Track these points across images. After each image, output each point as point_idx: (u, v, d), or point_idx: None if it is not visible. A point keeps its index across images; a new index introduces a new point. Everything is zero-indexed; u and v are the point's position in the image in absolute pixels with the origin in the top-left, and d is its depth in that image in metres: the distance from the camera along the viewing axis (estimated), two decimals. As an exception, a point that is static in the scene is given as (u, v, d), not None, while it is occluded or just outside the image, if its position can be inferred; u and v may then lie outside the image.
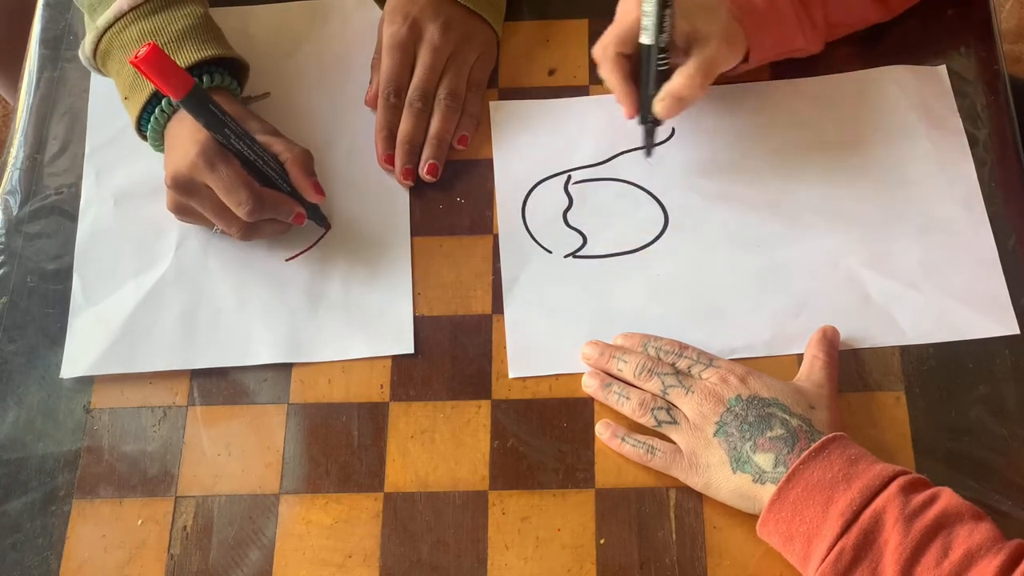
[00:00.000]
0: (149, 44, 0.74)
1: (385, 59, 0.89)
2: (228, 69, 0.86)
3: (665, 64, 0.80)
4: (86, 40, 0.86)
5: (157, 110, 0.83)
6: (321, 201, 0.84)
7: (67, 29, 0.98)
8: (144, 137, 0.86)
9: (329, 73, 0.93)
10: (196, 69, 0.83)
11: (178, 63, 0.80)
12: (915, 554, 0.64)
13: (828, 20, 0.85)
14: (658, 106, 0.81)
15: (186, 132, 0.81)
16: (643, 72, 0.82)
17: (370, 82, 0.91)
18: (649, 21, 0.79)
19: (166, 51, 0.78)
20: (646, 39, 0.80)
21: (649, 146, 0.86)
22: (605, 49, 0.83)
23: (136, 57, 0.74)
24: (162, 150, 0.85)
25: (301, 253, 0.86)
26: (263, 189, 0.81)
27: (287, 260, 0.86)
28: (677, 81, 0.80)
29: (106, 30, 0.84)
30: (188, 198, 0.81)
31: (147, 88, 0.83)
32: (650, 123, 0.84)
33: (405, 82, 0.89)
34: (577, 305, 0.82)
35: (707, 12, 0.81)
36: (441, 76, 0.89)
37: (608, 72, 0.83)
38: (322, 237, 0.86)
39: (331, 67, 0.94)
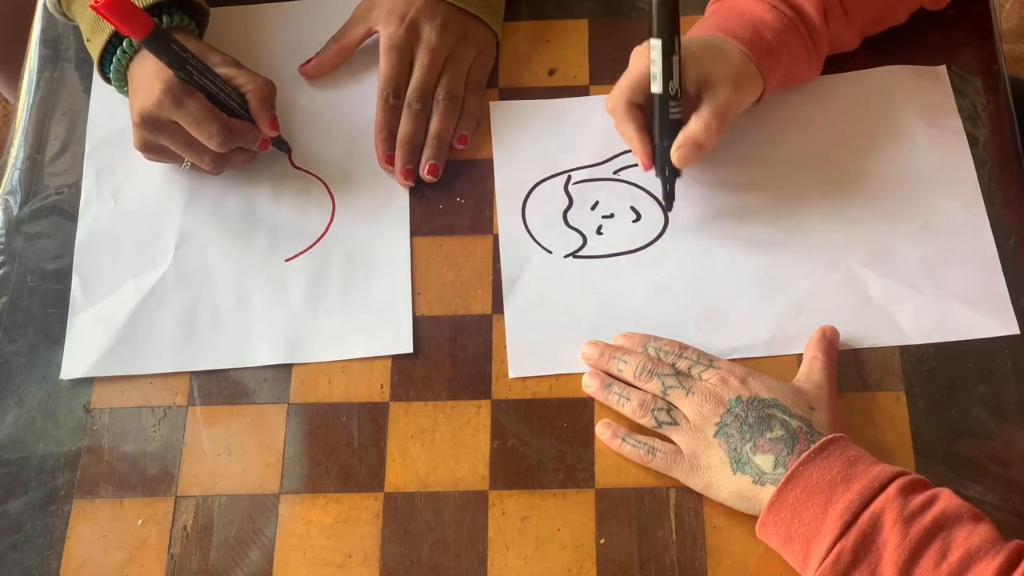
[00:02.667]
0: None
1: (383, 61, 0.89)
2: (187, 11, 0.87)
3: (677, 112, 0.79)
4: None
5: (119, 51, 0.85)
6: (276, 134, 0.86)
7: (67, 29, 0.98)
8: (107, 80, 0.88)
9: (330, 73, 0.93)
10: (154, 9, 0.84)
11: (139, 3, 0.82)
12: (914, 556, 0.64)
13: (832, 42, 0.85)
14: (675, 155, 0.79)
15: (148, 71, 0.83)
16: (656, 122, 0.80)
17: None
18: (657, 69, 0.78)
19: None
20: (656, 88, 0.79)
21: (668, 198, 0.83)
22: (617, 100, 0.82)
23: (96, 2, 0.75)
24: (126, 92, 0.87)
25: (301, 253, 0.86)
26: (231, 119, 0.84)
27: (287, 260, 0.86)
28: (693, 128, 0.79)
29: None
30: (157, 135, 0.83)
31: (107, 29, 0.84)
32: (668, 174, 0.82)
33: (403, 83, 0.89)
34: (577, 305, 0.82)
35: (717, 55, 0.80)
36: (439, 77, 0.89)
37: (622, 123, 0.82)
38: (321, 237, 0.86)
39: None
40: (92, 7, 0.76)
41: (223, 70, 0.85)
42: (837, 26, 0.84)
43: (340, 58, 0.93)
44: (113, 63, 0.86)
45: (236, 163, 0.87)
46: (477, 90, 0.90)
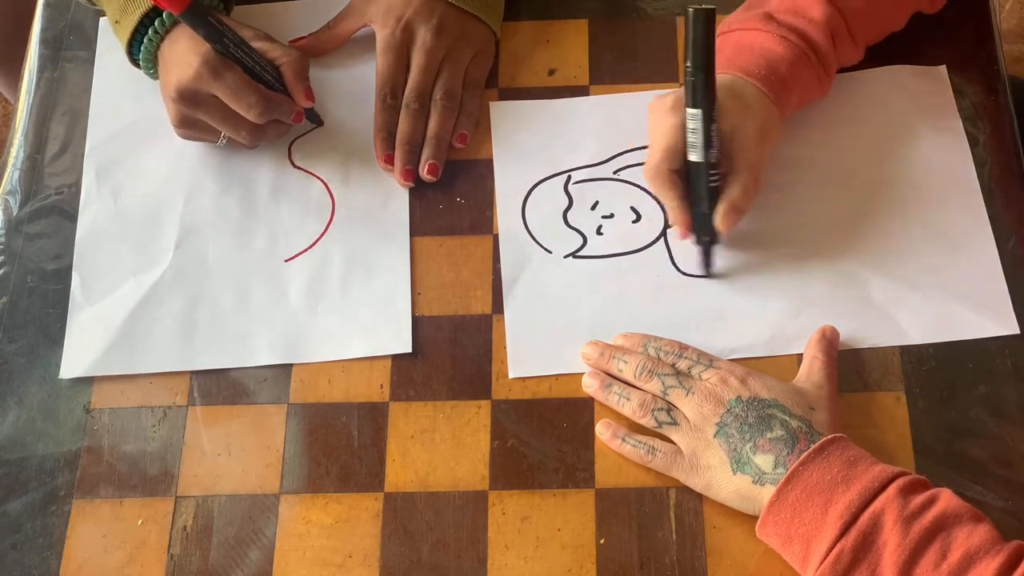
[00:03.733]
0: None
1: (380, 61, 0.89)
2: None
3: (717, 179, 0.79)
4: None
5: (150, 31, 0.85)
6: (311, 105, 0.87)
7: (67, 29, 0.98)
8: (136, 63, 0.88)
9: (329, 73, 0.93)
10: None
11: None
12: (914, 556, 0.64)
13: (839, 59, 0.85)
14: (721, 222, 0.78)
15: (183, 48, 0.84)
16: (695, 189, 0.80)
17: None
18: (697, 138, 0.77)
19: None
20: (696, 157, 0.78)
21: (708, 265, 0.82)
22: (658, 170, 0.80)
23: None
24: (154, 74, 0.88)
25: (301, 253, 0.86)
26: (268, 91, 0.85)
27: (286, 260, 0.86)
28: (735, 195, 0.78)
29: None
30: (194, 110, 0.84)
31: (137, 11, 0.85)
32: (706, 242, 0.81)
33: (401, 82, 0.89)
34: (577, 305, 0.82)
35: (741, 104, 0.79)
36: (437, 77, 0.89)
37: (662, 191, 0.81)
38: (321, 237, 0.86)
39: (331, 67, 0.94)
40: None
41: (257, 44, 0.86)
42: (844, 48, 0.84)
43: (332, 45, 0.93)
44: (143, 45, 0.86)
45: (271, 136, 0.88)
46: (475, 89, 0.90)
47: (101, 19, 0.97)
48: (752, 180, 0.79)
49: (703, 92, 0.76)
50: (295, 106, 0.86)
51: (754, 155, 0.79)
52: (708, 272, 0.82)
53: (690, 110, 0.77)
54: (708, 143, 0.77)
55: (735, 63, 0.81)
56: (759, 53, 0.81)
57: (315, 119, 0.90)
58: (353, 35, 0.93)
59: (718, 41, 0.77)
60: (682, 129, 0.78)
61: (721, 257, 0.82)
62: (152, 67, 0.88)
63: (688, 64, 0.76)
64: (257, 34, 0.87)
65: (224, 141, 0.88)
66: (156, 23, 0.85)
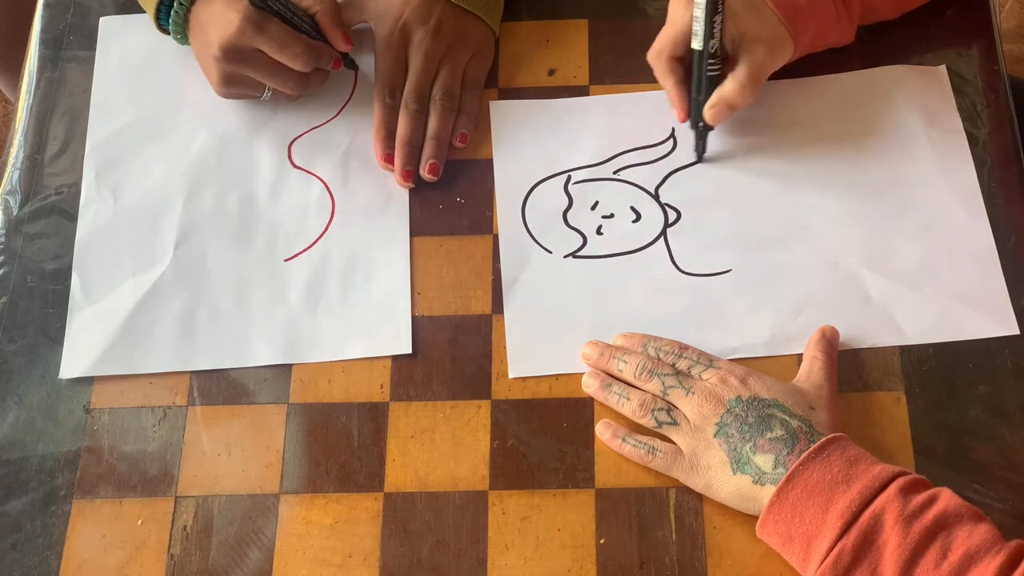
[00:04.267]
0: None
1: (378, 61, 0.90)
2: None
3: (716, 69, 0.82)
4: None
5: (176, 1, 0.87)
6: (350, 50, 0.89)
7: (67, 29, 0.98)
8: (164, 30, 0.89)
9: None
10: None
11: None
12: (914, 555, 0.64)
13: (864, 7, 0.86)
14: (708, 113, 0.82)
15: (217, 9, 0.85)
16: (694, 77, 0.83)
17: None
18: (699, 27, 0.80)
19: None
20: (696, 44, 0.81)
21: (700, 150, 0.86)
22: (660, 53, 0.84)
23: None
24: (185, 41, 0.89)
25: (300, 253, 0.86)
26: (311, 41, 0.86)
27: (286, 260, 0.86)
28: (728, 88, 0.81)
29: None
30: (240, 66, 0.85)
31: None
32: (701, 127, 0.85)
33: (399, 82, 0.89)
34: (577, 305, 0.82)
35: (754, 14, 0.82)
36: (435, 77, 0.89)
37: (662, 76, 0.85)
38: (321, 236, 0.86)
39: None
40: None
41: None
42: None
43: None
44: (174, 9, 0.87)
45: (315, 84, 0.90)
46: (474, 89, 0.90)
47: (101, 19, 0.97)
48: (749, 80, 0.81)
49: None
50: (333, 52, 0.88)
51: (757, 60, 0.81)
52: (699, 157, 0.86)
53: None
54: (709, 33, 0.80)
55: None
56: None
57: (351, 65, 0.91)
58: (350, 28, 0.93)
59: None
60: (691, 20, 0.81)
61: (721, 255, 0.82)
62: (182, 33, 0.89)
63: None
64: None
65: (269, 94, 0.90)
66: None
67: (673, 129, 0.88)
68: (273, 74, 0.87)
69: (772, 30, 0.82)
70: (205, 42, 0.86)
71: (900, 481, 0.66)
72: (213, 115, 0.92)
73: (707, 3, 0.79)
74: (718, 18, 0.80)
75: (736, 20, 0.81)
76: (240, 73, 0.86)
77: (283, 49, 0.85)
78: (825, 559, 0.65)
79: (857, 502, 0.66)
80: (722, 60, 0.82)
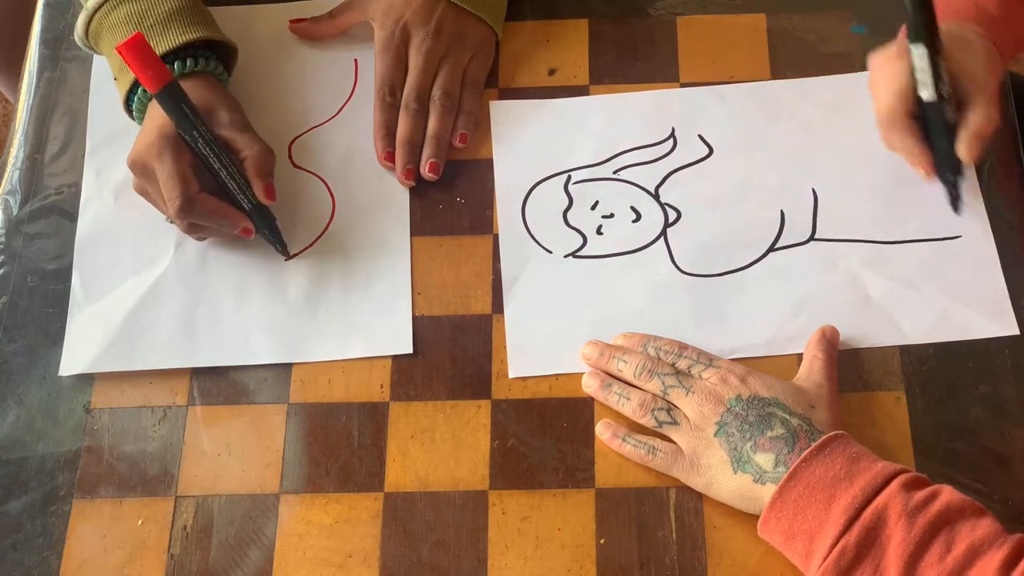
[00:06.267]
0: (136, 34, 0.77)
1: (378, 61, 0.90)
2: (216, 54, 0.87)
3: (951, 115, 0.78)
4: (78, 20, 0.87)
5: (140, 89, 0.85)
6: (270, 202, 0.83)
7: (67, 29, 0.98)
8: (132, 116, 0.88)
9: (329, 73, 0.93)
10: (183, 51, 0.84)
11: (164, 44, 0.83)
12: (918, 550, 0.64)
13: None
14: (965, 151, 0.78)
15: (157, 113, 0.82)
16: (932, 127, 0.79)
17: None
18: (926, 76, 0.77)
19: (152, 32, 0.82)
20: (927, 95, 0.78)
21: (957, 201, 0.82)
22: (892, 115, 0.80)
23: (122, 44, 0.76)
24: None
25: (301, 252, 0.86)
26: (200, 195, 0.81)
27: (287, 260, 0.86)
28: (977, 121, 0.78)
29: (96, 11, 0.86)
30: (142, 179, 0.83)
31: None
32: (951, 178, 0.81)
33: (400, 80, 0.89)
34: (577, 305, 0.82)
35: (961, 44, 0.79)
36: (435, 77, 0.89)
37: (904, 138, 0.80)
38: (321, 236, 0.86)
39: (332, 66, 0.94)
40: (117, 49, 0.76)
41: (228, 132, 0.83)
42: None
43: (330, 32, 0.94)
44: (136, 101, 0.86)
45: (212, 234, 0.85)
46: (474, 89, 0.90)
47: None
48: (990, 105, 0.78)
49: (923, 24, 0.76)
50: (239, 221, 0.82)
51: (986, 84, 0.79)
52: (958, 209, 0.82)
53: (914, 47, 0.77)
54: (938, 76, 0.77)
55: (944, 11, 0.79)
56: None
57: (280, 248, 0.84)
58: (351, 27, 0.93)
59: None
60: (909, 71, 0.78)
61: (721, 255, 0.82)
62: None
63: (906, 1, 0.75)
64: (233, 119, 0.84)
65: (171, 219, 0.84)
66: None
67: (673, 129, 0.88)
68: (162, 203, 0.82)
69: (982, 50, 0.80)
70: (135, 141, 0.83)
71: (902, 477, 0.67)
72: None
73: (928, 47, 0.76)
74: (941, 60, 0.76)
75: (949, 57, 0.78)
76: (142, 186, 0.83)
77: (165, 185, 0.80)
78: (828, 555, 0.65)
79: (860, 498, 0.66)
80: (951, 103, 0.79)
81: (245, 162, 0.83)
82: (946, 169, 0.80)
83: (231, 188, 0.82)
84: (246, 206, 0.83)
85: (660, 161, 0.87)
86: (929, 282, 0.81)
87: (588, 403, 0.79)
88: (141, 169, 0.82)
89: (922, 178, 0.81)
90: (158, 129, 0.81)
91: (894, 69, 0.79)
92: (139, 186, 0.84)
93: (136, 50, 0.77)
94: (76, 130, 0.93)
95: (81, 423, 0.81)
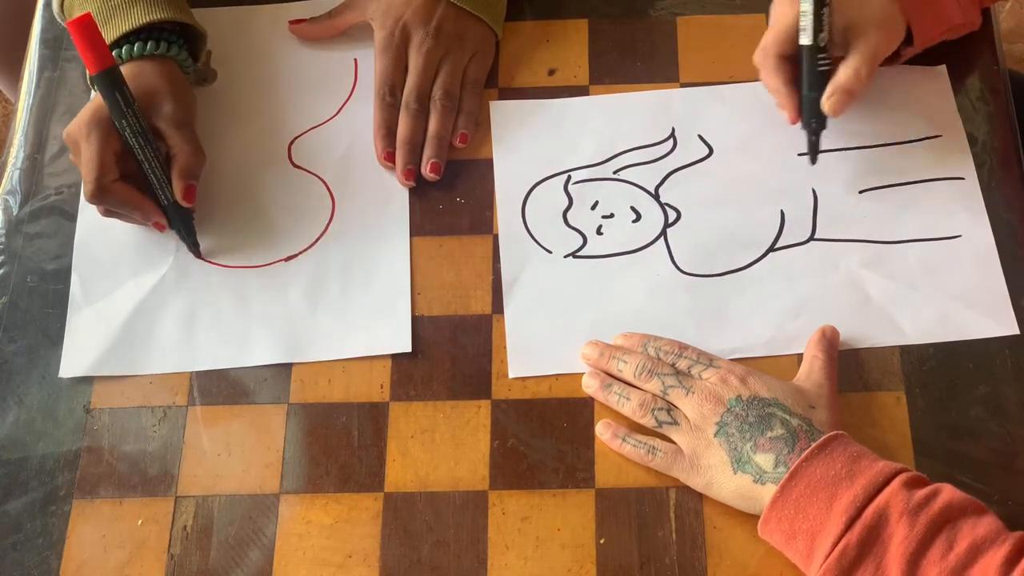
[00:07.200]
0: (86, 13, 0.77)
1: (378, 61, 0.90)
2: (185, 39, 0.87)
3: (826, 64, 0.80)
4: None
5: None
6: (187, 205, 0.83)
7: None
8: (92, 88, 0.88)
9: (329, 73, 0.93)
10: (148, 32, 0.84)
11: (128, 23, 0.83)
12: (920, 548, 0.64)
13: None
14: (827, 104, 0.80)
15: (98, 95, 0.82)
16: (804, 74, 0.81)
17: None
18: (807, 21, 0.79)
19: (118, 10, 0.83)
20: (805, 39, 0.80)
21: (814, 152, 0.84)
22: (765, 53, 0.83)
23: (72, 21, 0.77)
24: None
25: (300, 252, 0.86)
26: (115, 184, 0.81)
27: (286, 260, 0.86)
28: (843, 75, 0.79)
29: None
30: (73, 154, 0.84)
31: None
32: (813, 126, 0.83)
33: (399, 80, 0.89)
34: (577, 305, 0.82)
35: (860, 1, 0.80)
36: (435, 77, 0.89)
37: (770, 77, 0.83)
38: (320, 236, 0.86)
39: (332, 66, 0.94)
40: (67, 24, 0.77)
41: (163, 125, 0.83)
42: None
43: (329, 33, 0.94)
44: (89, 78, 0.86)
45: (128, 221, 0.86)
46: (474, 89, 0.90)
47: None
48: (864, 65, 0.79)
49: None
50: (152, 215, 0.83)
51: (871, 43, 0.80)
52: (813, 159, 0.83)
53: None
54: (818, 26, 0.78)
55: None
56: None
57: (193, 248, 0.85)
58: (351, 27, 0.93)
59: None
60: (796, 15, 0.79)
61: (721, 255, 0.82)
62: None
63: None
64: (176, 114, 0.83)
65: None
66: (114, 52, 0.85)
67: (673, 129, 0.88)
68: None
69: (881, 12, 0.81)
70: None
71: (903, 476, 0.67)
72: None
73: None
74: (826, 10, 0.78)
75: (842, 11, 0.80)
76: (76, 161, 0.84)
77: (84, 167, 0.81)
78: (830, 555, 0.65)
79: (861, 497, 0.66)
80: (831, 53, 0.81)
81: (173, 160, 0.83)
82: (810, 116, 0.82)
83: (152, 181, 0.83)
84: (162, 200, 0.83)
85: (660, 161, 0.87)
86: (929, 282, 0.81)
87: (588, 403, 0.79)
88: (72, 144, 0.83)
89: (786, 121, 0.83)
90: (95, 110, 0.81)
91: (782, 11, 0.82)
92: (73, 159, 0.85)
93: (83, 29, 0.77)
94: (76, 130, 0.92)
95: (81, 423, 0.81)
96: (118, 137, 0.81)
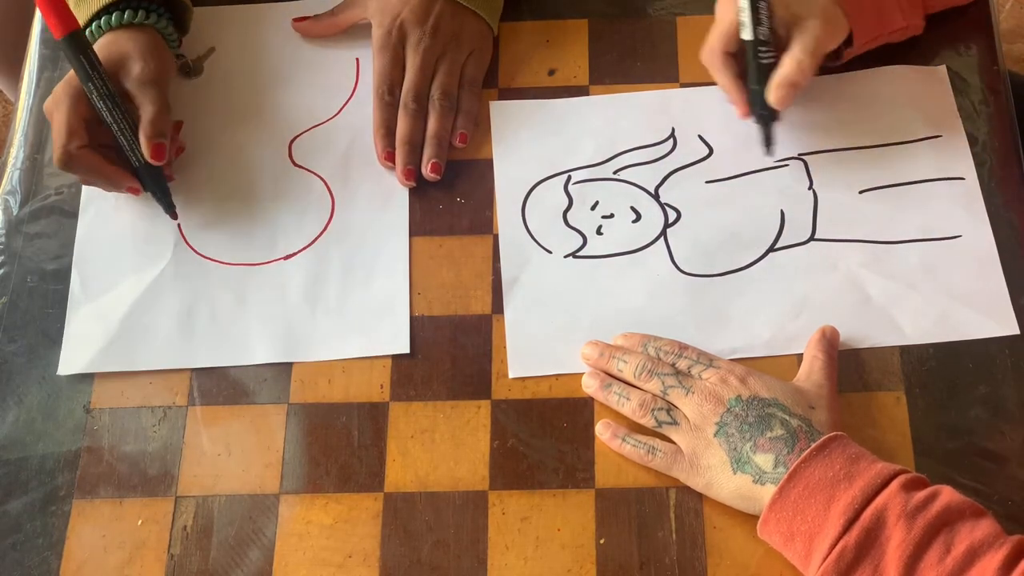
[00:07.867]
0: None
1: (376, 60, 0.90)
2: (172, 12, 0.88)
3: (769, 57, 0.81)
4: None
5: (87, 31, 0.85)
6: (157, 163, 0.83)
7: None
8: None
9: (330, 72, 0.93)
10: (127, 3, 0.85)
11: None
12: (918, 551, 0.64)
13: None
14: (773, 96, 0.81)
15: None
16: (749, 67, 0.82)
17: None
18: (746, 16, 0.80)
19: None
20: (746, 35, 0.81)
21: (768, 142, 0.84)
22: (712, 50, 0.84)
23: None
24: None
25: (300, 251, 0.86)
26: (81, 151, 0.81)
27: (286, 259, 0.86)
28: (787, 67, 0.80)
29: None
30: (52, 125, 0.84)
31: (86, 15, 0.85)
32: (764, 117, 0.83)
33: (398, 79, 0.89)
34: (577, 305, 0.82)
35: None
36: (433, 76, 0.89)
37: (717, 72, 0.85)
38: (320, 236, 0.86)
39: (333, 65, 0.94)
40: None
41: (131, 86, 0.83)
42: None
43: (331, 30, 0.94)
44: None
45: (104, 188, 0.86)
46: (473, 88, 0.90)
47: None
48: (808, 56, 0.80)
49: None
50: (124, 182, 0.84)
51: (812, 34, 0.81)
52: (768, 150, 0.84)
53: None
54: (756, 20, 0.80)
55: None
56: None
57: (168, 208, 0.85)
58: (353, 25, 0.93)
59: None
60: (737, 11, 0.81)
61: (721, 255, 0.82)
62: None
63: None
64: (146, 73, 0.84)
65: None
66: (93, 25, 0.85)
67: (673, 129, 0.88)
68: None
69: (824, 8, 0.81)
70: None
71: (902, 478, 0.67)
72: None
73: None
74: (763, 4, 0.79)
75: (786, 5, 0.81)
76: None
77: (54, 132, 0.82)
78: (828, 556, 0.65)
79: (859, 499, 0.66)
80: (775, 47, 0.81)
81: (139, 120, 0.83)
82: (758, 109, 0.83)
83: (122, 144, 0.83)
84: (134, 163, 0.83)
85: (660, 161, 0.87)
86: (929, 282, 0.81)
87: (588, 403, 0.79)
88: (48, 116, 0.84)
89: (737, 115, 0.84)
90: (67, 80, 0.82)
91: (725, 9, 0.83)
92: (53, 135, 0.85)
93: None
94: (76, 130, 0.92)
95: (81, 423, 0.81)
96: (87, 104, 0.82)
